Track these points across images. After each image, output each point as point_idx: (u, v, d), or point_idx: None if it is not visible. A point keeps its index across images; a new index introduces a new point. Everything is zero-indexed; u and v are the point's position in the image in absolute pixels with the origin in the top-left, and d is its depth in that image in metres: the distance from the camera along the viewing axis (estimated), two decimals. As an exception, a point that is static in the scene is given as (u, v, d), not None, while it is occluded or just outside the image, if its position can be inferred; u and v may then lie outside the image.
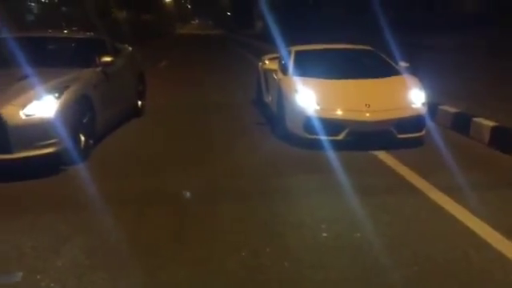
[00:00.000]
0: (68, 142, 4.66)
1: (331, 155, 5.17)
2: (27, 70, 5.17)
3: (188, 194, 4.18)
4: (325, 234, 3.41)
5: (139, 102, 7.47)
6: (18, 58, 5.40)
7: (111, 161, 5.18)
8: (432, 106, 6.54)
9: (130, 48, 8.03)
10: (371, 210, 3.78)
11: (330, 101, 5.72)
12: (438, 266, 2.98)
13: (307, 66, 6.44)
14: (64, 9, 23.09)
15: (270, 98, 7.20)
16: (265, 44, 20.08)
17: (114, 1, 28.79)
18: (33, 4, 21.58)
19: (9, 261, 3.00)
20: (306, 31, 19.38)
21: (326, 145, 5.38)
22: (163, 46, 27.53)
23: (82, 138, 5.03)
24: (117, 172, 4.81)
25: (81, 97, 5.09)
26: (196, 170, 4.89)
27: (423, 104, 5.77)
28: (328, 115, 5.54)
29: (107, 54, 6.16)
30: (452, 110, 6.67)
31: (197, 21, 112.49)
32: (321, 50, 7.25)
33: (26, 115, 4.45)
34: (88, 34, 8.30)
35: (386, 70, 6.42)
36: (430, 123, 6.01)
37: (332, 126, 5.47)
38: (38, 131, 4.48)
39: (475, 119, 6.04)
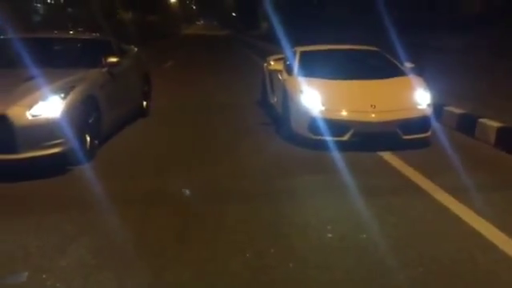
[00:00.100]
0: (74, 143, 4.68)
1: (336, 156, 5.17)
2: (33, 70, 5.20)
3: (188, 192, 4.18)
4: (330, 235, 3.40)
5: (144, 103, 7.49)
6: (25, 59, 5.43)
7: (117, 161, 5.19)
8: (437, 107, 6.52)
9: (136, 49, 8.05)
10: (376, 211, 3.77)
11: (335, 101, 5.71)
12: (443, 267, 2.97)
13: (312, 66, 6.44)
14: (70, 10, 23.18)
15: (275, 99, 7.20)
16: (270, 45, 20.08)
17: (120, 2, 28.88)
18: (39, 5, 21.68)
19: (15, 260, 3.01)
20: (311, 31, 19.35)
21: (331, 146, 5.38)
22: (168, 47, 27.57)
23: (88, 139, 5.04)
24: (122, 172, 4.82)
25: (87, 97, 5.10)
26: (201, 170, 4.89)
27: (429, 105, 5.76)
28: (333, 116, 5.53)
29: (113, 55, 6.18)
30: (457, 110, 6.65)
31: (202, 21, 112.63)
32: (326, 50, 7.25)
33: (33, 116, 4.47)
34: (94, 34, 8.32)
35: (391, 70, 6.41)
36: (435, 124, 5.99)
37: (337, 126, 5.46)
38: (44, 131, 4.50)
39: (481, 120, 6.02)
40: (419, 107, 5.69)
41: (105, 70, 5.91)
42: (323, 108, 5.59)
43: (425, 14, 18.84)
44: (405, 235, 3.42)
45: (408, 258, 3.07)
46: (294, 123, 5.85)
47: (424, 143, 5.64)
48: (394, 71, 6.38)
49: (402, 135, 5.48)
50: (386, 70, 6.44)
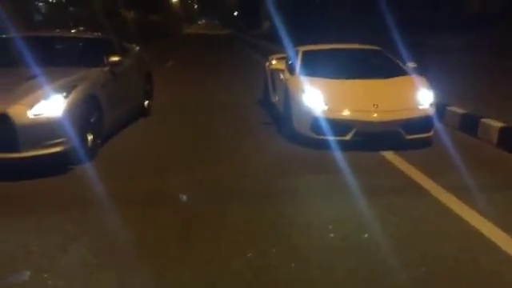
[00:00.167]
0: (75, 142, 4.67)
1: (338, 156, 5.16)
2: (35, 69, 5.20)
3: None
4: (332, 235, 3.39)
5: (146, 102, 7.48)
6: (26, 58, 5.43)
7: (118, 160, 5.19)
8: (440, 107, 6.51)
9: (138, 48, 8.05)
10: (379, 211, 3.76)
11: (338, 101, 5.70)
12: (445, 268, 2.96)
13: (314, 65, 6.42)
14: (72, 9, 23.17)
15: (277, 98, 7.19)
16: (271, 44, 20.08)
17: (122, 1, 28.88)
18: (41, 4, 21.67)
19: (16, 260, 3.01)
20: (313, 31, 19.34)
21: (334, 145, 5.37)
22: (170, 46, 27.59)
23: (90, 138, 5.04)
24: (124, 171, 4.82)
25: (88, 96, 5.10)
26: (202, 169, 4.89)
27: (431, 105, 5.74)
28: (335, 115, 5.52)
29: (115, 54, 6.17)
30: (460, 110, 6.63)
31: (203, 21, 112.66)
32: (328, 49, 7.23)
33: (34, 114, 4.47)
34: (95, 33, 8.32)
35: (393, 70, 6.39)
36: (438, 124, 5.98)
37: (339, 126, 5.45)
38: (45, 130, 4.50)
39: (483, 120, 6.00)
40: (422, 107, 5.68)
41: (106, 69, 5.90)
42: (325, 107, 5.58)
43: (428, 14, 18.81)
44: (407, 235, 3.41)
45: (410, 258, 3.06)
46: (296, 123, 5.84)
47: (426, 143, 5.63)
48: (397, 71, 6.37)
49: (405, 135, 5.46)
50: (389, 69, 6.43)
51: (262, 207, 3.89)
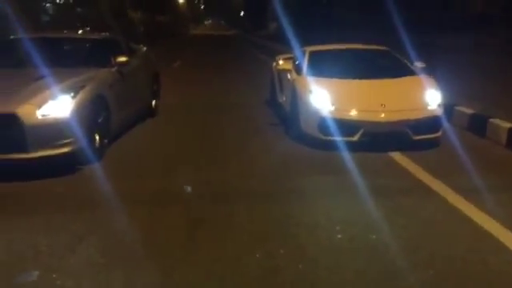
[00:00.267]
0: (83, 142, 4.69)
1: (346, 156, 5.14)
2: (43, 70, 5.22)
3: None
4: (340, 236, 3.38)
5: (153, 102, 7.50)
6: (34, 58, 5.45)
7: (126, 160, 5.20)
8: (448, 107, 6.47)
9: (145, 48, 8.07)
10: (386, 212, 3.74)
11: (345, 101, 5.68)
12: (454, 269, 2.94)
13: (322, 66, 6.41)
14: (79, 9, 23.30)
15: (284, 99, 7.18)
16: (278, 44, 20.07)
17: (129, 2, 28.99)
18: (48, 5, 21.80)
19: (25, 259, 3.03)
20: (320, 31, 19.31)
21: (341, 146, 5.35)
22: (177, 47, 27.63)
23: (97, 138, 5.06)
24: (131, 171, 4.83)
25: (96, 96, 5.12)
26: (210, 169, 4.89)
27: (439, 105, 5.71)
28: (343, 116, 5.50)
29: (122, 55, 6.19)
30: (468, 110, 6.59)
31: (210, 21, 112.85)
32: (335, 50, 7.21)
33: (43, 115, 4.49)
34: (103, 34, 8.35)
35: (401, 70, 6.37)
36: (446, 124, 5.95)
37: (347, 126, 5.43)
38: (53, 131, 4.52)
39: (492, 120, 5.96)
40: (429, 107, 5.65)
41: (114, 69, 5.92)
42: (333, 108, 5.57)
43: (435, 13, 18.73)
44: (415, 236, 3.39)
45: (418, 258, 3.05)
46: (303, 123, 5.83)
47: (434, 143, 5.60)
48: (404, 71, 6.34)
49: (412, 135, 5.44)
50: (396, 69, 6.40)
51: (269, 207, 3.89)
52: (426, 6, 19.25)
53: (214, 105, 8.61)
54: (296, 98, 6.10)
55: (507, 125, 5.67)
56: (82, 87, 4.96)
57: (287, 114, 6.74)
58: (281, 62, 7.77)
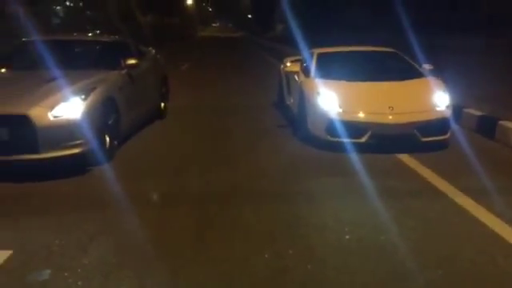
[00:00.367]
0: (94, 143, 4.74)
1: (354, 158, 5.15)
2: (55, 72, 5.29)
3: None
4: (348, 237, 3.40)
5: (162, 104, 7.55)
6: (46, 61, 5.52)
7: (135, 161, 5.25)
8: (457, 109, 6.46)
9: (154, 51, 8.13)
10: (395, 214, 3.75)
11: (353, 103, 5.69)
12: (463, 270, 2.95)
13: (330, 68, 6.42)
14: (89, 12, 23.47)
15: (292, 101, 7.20)
16: (286, 46, 20.07)
17: (138, 5, 29.14)
18: (58, 8, 21.98)
19: (37, 259, 3.07)
20: (328, 33, 19.30)
21: (349, 147, 5.36)
22: (185, 49, 27.76)
23: (107, 139, 5.11)
24: (141, 172, 4.87)
25: (106, 98, 5.17)
26: (218, 171, 4.92)
27: (447, 107, 5.71)
28: (350, 118, 5.51)
29: (132, 57, 6.25)
30: (477, 112, 6.58)
31: (218, 23, 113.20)
32: (343, 52, 7.23)
33: (54, 116, 4.55)
34: (112, 37, 8.42)
35: (409, 72, 6.37)
36: (454, 126, 5.94)
37: (354, 128, 5.44)
38: (64, 132, 4.57)
39: (501, 122, 5.95)
40: (438, 109, 5.65)
41: (124, 71, 5.98)
42: (340, 110, 5.58)
43: (444, 14, 18.66)
44: (424, 237, 3.40)
45: (427, 260, 3.05)
46: (311, 125, 5.85)
47: (443, 145, 5.60)
48: (412, 73, 6.34)
49: (421, 137, 5.43)
50: (404, 71, 6.41)
51: (277, 208, 3.92)
52: (435, 6, 19.18)
53: (221, 107, 8.65)
54: (304, 100, 6.12)
55: (516, 127, 5.65)
56: (93, 89, 5.02)
57: (295, 115, 6.76)
58: (288, 64, 7.80)
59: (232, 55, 24.27)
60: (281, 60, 8.93)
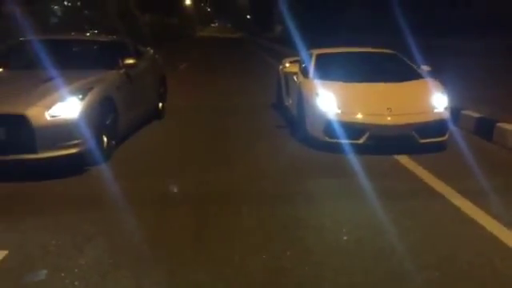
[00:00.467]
0: (91, 143, 4.73)
1: (352, 159, 5.15)
2: (52, 71, 5.27)
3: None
4: (346, 238, 3.40)
5: (160, 104, 7.54)
6: (44, 60, 5.50)
7: (133, 161, 5.24)
8: (455, 111, 6.47)
9: (152, 51, 8.12)
10: (393, 215, 3.75)
11: (351, 104, 5.69)
12: (460, 271, 2.95)
13: (328, 69, 6.42)
14: (86, 12, 23.44)
15: (291, 101, 7.20)
16: (284, 47, 20.10)
17: (136, 4, 29.13)
18: (56, 7, 21.95)
19: (33, 259, 3.06)
20: (326, 34, 19.32)
21: (347, 148, 5.36)
22: (183, 49, 27.73)
23: (105, 139, 5.09)
24: (138, 172, 4.86)
25: (104, 98, 5.16)
26: (216, 171, 4.91)
27: (446, 108, 5.71)
28: (349, 119, 5.51)
29: (130, 57, 6.23)
30: (475, 114, 6.58)
31: (216, 23, 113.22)
32: (342, 53, 7.23)
33: (51, 116, 4.53)
34: (110, 36, 8.40)
35: (408, 73, 6.37)
36: (452, 128, 5.94)
37: (353, 129, 5.44)
38: (62, 132, 4.56)
39: (499, 124, 5.95)
40: (436, 110, 5.65)
41: (122, 71, 5.97)
42: (339, 111, 5.58)
43: (443, 13, 18.67)
44: (421, 239, 3.39)
45: (425, 261, 3.05)
46: (309, 126, 5.84)
47: (441, 147, 5.60)
48: (411, 74, 6.35)
49: (419, 138, 5.44)
50: (403, 72, 6.41)
51: (275, 209, 3.91)
52: (434, 5, 19.19)
53: (220, 107, 8.64)
54: (302, 101, 6.12)
55: (514, 128, 5.66)
56: (91, 89, 5.00)
57: (293, 116, 6.75)
58: (287, 65, 7.79)
59: (230, 55, 24.25)
60: (279, 60, 8.92)
